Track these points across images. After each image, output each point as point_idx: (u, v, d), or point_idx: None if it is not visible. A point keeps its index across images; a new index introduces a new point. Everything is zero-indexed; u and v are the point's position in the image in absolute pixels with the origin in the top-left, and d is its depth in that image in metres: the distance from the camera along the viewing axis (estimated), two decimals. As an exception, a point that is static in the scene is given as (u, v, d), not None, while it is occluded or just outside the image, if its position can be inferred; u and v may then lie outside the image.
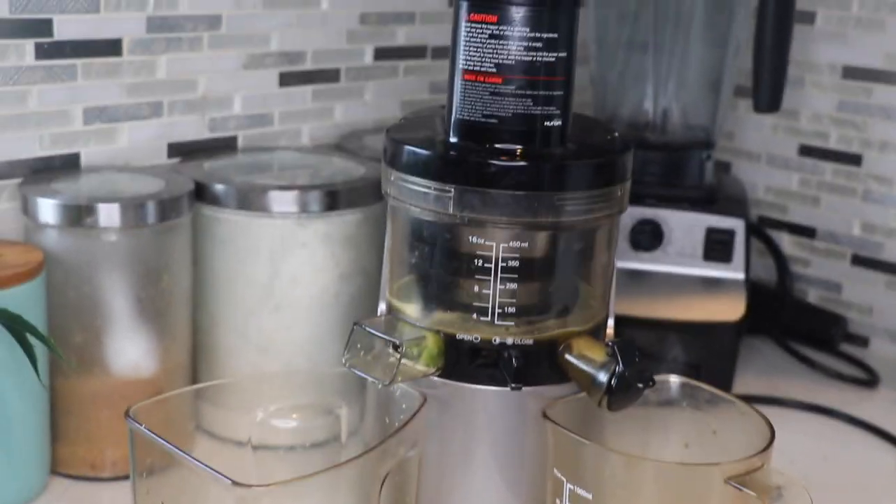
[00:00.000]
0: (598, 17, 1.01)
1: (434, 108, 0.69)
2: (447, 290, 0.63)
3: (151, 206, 0.76)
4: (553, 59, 0.61)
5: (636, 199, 0.93)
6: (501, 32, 0.60)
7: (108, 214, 0.75)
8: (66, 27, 0.81)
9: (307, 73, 0.96)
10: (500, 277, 0.61)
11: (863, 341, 1.07)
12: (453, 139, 0.62)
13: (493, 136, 0.61)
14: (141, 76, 0.86)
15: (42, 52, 0.80)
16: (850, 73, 1.05)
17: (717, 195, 0.97)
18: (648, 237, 0.93)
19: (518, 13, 0.60)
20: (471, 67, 0.61)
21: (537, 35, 0.60)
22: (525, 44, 0.60)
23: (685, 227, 0.93)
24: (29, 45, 0.79)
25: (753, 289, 0.99)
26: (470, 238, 0.61)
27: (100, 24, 0.83)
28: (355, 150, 0.94)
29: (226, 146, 0.92)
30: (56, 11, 0.80)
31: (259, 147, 0.94)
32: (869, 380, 1.00)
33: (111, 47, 0.84)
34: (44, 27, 0.80)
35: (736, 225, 0.93)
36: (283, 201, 0.80)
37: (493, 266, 0.61)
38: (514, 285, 0.61)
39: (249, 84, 0.93)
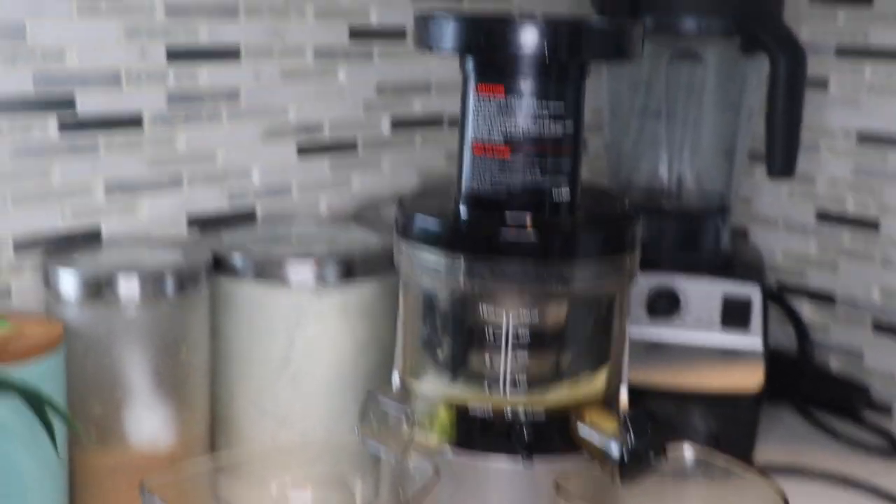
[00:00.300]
0: (611, 85, 1.02)
1: (448, 179, 0.70)
2: (458, 361, 0.63)
3: (170, 278, 0.77)
4: (560, 130, 0.61)
5: (652, 266, 0.93)
6: (509, 104, 0.61)
7: (128, 287, 0.76)
8: (89, 102, 0.83)
9: (325, 143, 0.98)
10: (511, 348, 0.61)
11: (886, 410, 1.06)
12: (463, 210, 0.63)
13: (503, 207, 0.62)
14: (161, 149, 0.87)
15: (65, 126, 0.82)
16: (865, 138, 1.05)
17: (733, 261, 0.97)
18: (665, 304, 0.93)
19: (525, 85, 0.61)
20: (479, 138, 0.62)
21: (545, 106, 0.61)
22: (533, 115, 0.61)
23: (702, 294, 0.93)
24: (52, 120, 0.81)
25: (774, 356, 0.98)
26: (480, 309, 0.61)
27: (121, 99, 0.84)
28: (372, 220, 0.94)
29: (245, 217, 0.94)
30: (79, 87, 0.82)
31: (277, 217, 0.95)
32: (892, 449, 0.98)
33: (132, 121, 0.86)
34: (67, 102, 0.82)
35: (752, 292, 0.93)
36: (299, 272, 0.81)
37: (503, 337, 0.61)
38: (524, 356, 0.61)
39: (268, 155, 0.94)
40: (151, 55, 0.85)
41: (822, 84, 1.07)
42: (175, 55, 0.87)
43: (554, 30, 0.59)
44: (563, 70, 0.61)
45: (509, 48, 0.59)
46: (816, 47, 1.05)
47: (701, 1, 0.93)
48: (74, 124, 0.82)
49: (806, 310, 1.11)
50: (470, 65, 0.62)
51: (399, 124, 1.03)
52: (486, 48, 0.60)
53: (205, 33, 0.88)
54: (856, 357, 1.08)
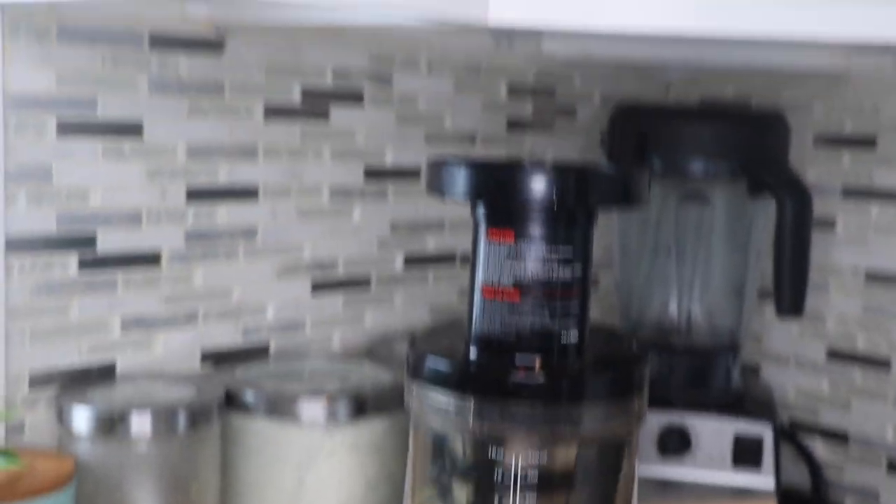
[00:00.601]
0: (621, 223, 1.04)
1: (459, 318, 0.71)
2: (468, 501, 0.63)
3: (182, 415, 0.78)
4: (569, 274, 0.63)
5: (663, 404, 0.93)
6: (519, 249, 0.62)
7: (140, 424, 0.76)
8: (109, 241, 0.85)
9: (339, 280, 0.99)
10: (520, 489, 0.61)
11: (903, 550, 1.04)
12: (473, 352, 0.64)
13: (512, 349, 0.63)
14: (178, 286, 0.89)
15: (85, 264, 0.84)
16: (873, 277, 1.06)
17: (744, 399, 0.97)
18: (676, 443, 0.93)
19: (535, 230, 0.62)
20: (490, 282, 0.63)
21: (554, 251, 0.62)
22: (542, 259, 0.62)
23: (713, 432, 0.93)
24: (72, 258, 0.83)
25: (788, 495, 0.98)
26: (490, 451, 0.62)
27: (141, 237, 0.87)
28: (385, 357, 0.95)
29: (258, 352, 0.95)
30: (100, 226, 0.84)
31: (291, 353, 0.96)
32: (911, 591, 0.97)
33: (151, 259, 0.87)
34: (87, 241, 0.84)
35: (764, 430, 0.93)
36: (311, 409, 0.81)
37: (512, 479, 0.61)
38: (533, 497, 0.61)
39: (283, 292, 0.96)
40: (171, 195, 0.88)
41: (830, 224, 1.08)
42: (195, 195, 0.89)
43: (562, 177, 0.61)
44: (571, 215, 0.63)
45: (519, 195, 0.61)
46: (822, 189, 1.08)
47: (707, 145, 0.95)
48: (94, 262, 0.84)
49: (819, 448, 1.10)
50: (480, 210, 0.64)
51: (412, 261, 1.04)
52: (497, 195, 0.62)
53: (224, 173, 0.91)
54: (871, 497, 1.07)
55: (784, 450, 1.01)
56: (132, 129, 0.85)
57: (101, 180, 0.84)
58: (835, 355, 1.09)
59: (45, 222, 0.82)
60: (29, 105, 0.80)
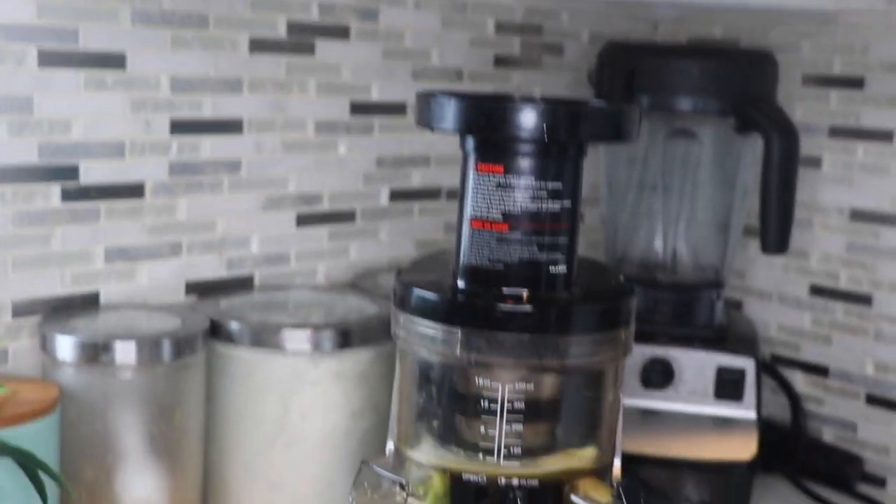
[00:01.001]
0: (609, 159, 1.04)
1: (445, 251, 0.71)
2: (453, 430, 0.63)
3: (167, 344, 0.78)
4: (558, 208, 0.62)
5: (647, 338, 0.94)
6: (508, 182, 0.62)
7: (124, 352, 0.76)
8: (92, 172, 0.84)
9: (324, 214, 0.99)
10: (506, 418, 0.62)
11: (880, 482, 1.06)
12: (461, 283, 0.64)
13: (500, 281, 0.63)
14: (162, 218, 0.89)
15: (67, 195, 0.83)
16: (858, 215, 1.07)
17: (727, 334, 0.98)
18: (659, 376, 0.94)
19: (524, 164, 0.62)
20: (478, 215, 0.63)
21: (542, 185, 0.62)
22: (531, 193, 0.62)
23: (696, 365, 0.94)
24: (55, 188, 0.82)
25: (768, 427, 0.99)
26: (476, 380, 0.62)
27: (124, 168, 0.86)
28: (369, 289, 0.95)
29: (242, 285, 0.94)
30: (83, 157, 0.83)
31: (275, 286, 0.96)
32: (886, 523, 0.99)
33: (134, 190, 0.87)
34: (70, 172, 0.83)
35: (746, 364, 0.94)
36: (295, 339, 0.82)
37: (499, 407, 0.62)
38: (519, 426, 0.62)
39: (267, 225, 0.95)
40: (155, 127, 0.87)
41: (816, 162, 1.08)
42: (179, 127, 0.88)
43: (553, 112, 0.60)
44: (561, 150, 0.62)
45: (509, 129, 0.60)
46: (809, 127, 1.07)
47: (696, 82, 0.95)
48: (77, 193, 0.84)
49: (800, 382, 1.11)
50: (470, 144, 0.63)
51: (398, 195, 1.04)
52: (487, 129, 0.61)
53: (209, 106, 0.90)
54: (849, 429, 1.08)
55: (765, 383, 1.02)
56: (114, 61, 0.84)
57: (83, 111, 0.83)
58: (817, 291, 1.10)
59: (26, 153, 0.81)
60: (9, 35, 0.78)
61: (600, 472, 0.65)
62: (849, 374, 1.08)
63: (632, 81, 0.96)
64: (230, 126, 0.91)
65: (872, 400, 1.07)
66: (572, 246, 0.64)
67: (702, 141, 1.00)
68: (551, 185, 0.62)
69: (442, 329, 0.62)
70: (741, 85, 0.95)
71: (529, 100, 0.61)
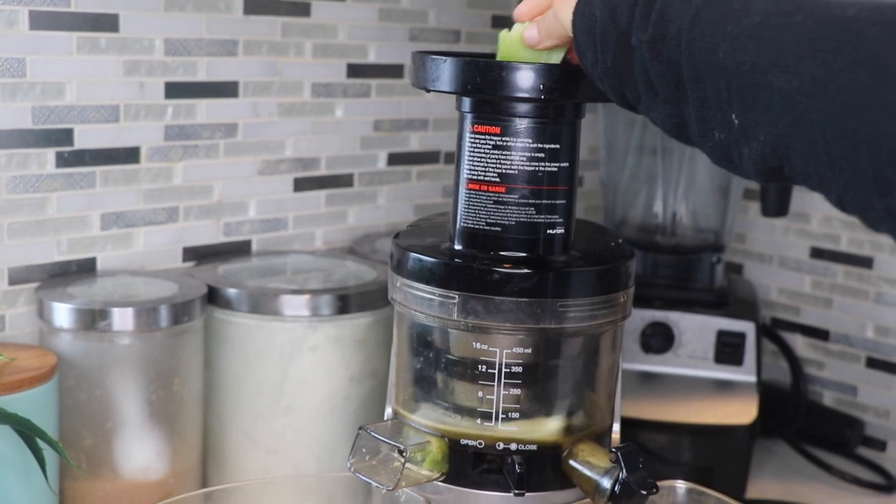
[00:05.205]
0: (608, 122, 1.03)
1: (444, 213, 0.70)
2: (451, 395, 0.63)
3: (164, 310, 0.77)
4: (555, 170, 0.62)
5: (647, 302, 0.93)
6: (504, 143, 0.61)
7: (122, 318, 0.76)
8: (87, 136, 0.83)
9: (321, 178, 0.98)
10: (504, 383, 0.61)
11: (880, 445, 1.06)
12: (458, 247, 0.64)
13: (497, 244, 0.62)
14: (158, 183, 0.88)
15: (62, 160, 0.82)
16: (859, 176, 1.06)
17: (727, 298, 0.98)
18: (659, 340, 0.94)
19: (521, 125, 0.61)
20: (474, 177, 0.62)
21: (540, 146, 0.61)
22: (528, 154, 0.61)
23: (696, 329, 0.93)
24: (50, 154, 0.82)
25: (768, 391, 0.99)
26: (474, 344, 0.61)
27: (119, 133, 0.85)
28: (367, 254, 0.95)
29: (240, 250, 0.94)
30: (77, 122, 0.83)
31: (273, 251, 0.96)
32: (886, 485, 0.99)
33: (129, 155, 0.86)
34: (65, 137, 0.82)
35: (746, 328, 0.93)
36: (294, 305, 0.81)
37: (496, 371, 0.61)
38: (517, 391, 0.62)
39: (264, 189, 0.95)
40: (150, 90, 0.86)
41: (816, 122, 1.07)
42: (173, 90, 0.87)
43: (549, 72, 0.60)
44: (558, 111, 0.61)
45: (505, 89, 0.60)
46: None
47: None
48: (72, 158, 0.83)
49: (800, 345, 1.11)
50: (466, 105, 0.62)
51: (395, 159, 1.03)
52: (483, 89, 0.60)
53: (203, 69, 0.89)
54: (849, 392, 1.08)
55: (765, 347, 1.01)
56: (107, 22, 0.83)
57: (76, 74, 0.82)
58: (818, 254, 1.09)
59: (20, 117, 0.80)
60: (0, -6, 0.77)
61: (599, 436, 0.65)
62: (849, 338, 1.08)
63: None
64: (226, 89, 0.90)
65: (873, 363, 1.06)
66: (570, 208, 0.63)
67: (702, 102, 0.99)
68: (548, 146, 0.61)
69: (439, 293, 0.61)
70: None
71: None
